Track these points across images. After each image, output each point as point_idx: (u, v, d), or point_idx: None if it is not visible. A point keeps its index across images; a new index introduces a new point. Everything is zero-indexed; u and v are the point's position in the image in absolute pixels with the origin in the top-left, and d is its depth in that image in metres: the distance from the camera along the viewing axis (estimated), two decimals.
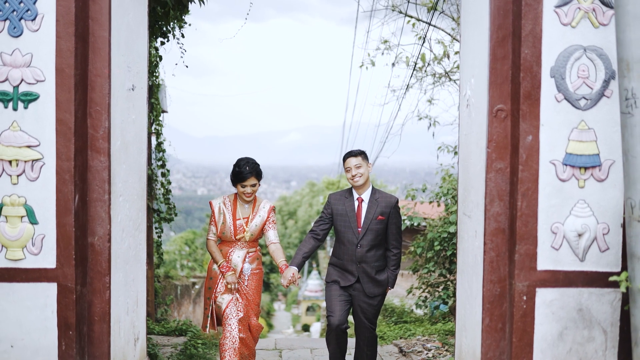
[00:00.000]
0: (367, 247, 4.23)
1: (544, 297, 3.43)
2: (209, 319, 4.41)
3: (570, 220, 3.40)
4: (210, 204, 4.43)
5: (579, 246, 3.41)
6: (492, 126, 3.55)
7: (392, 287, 4.39)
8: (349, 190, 4.40)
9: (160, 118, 7.11)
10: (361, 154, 4.32)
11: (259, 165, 4.34)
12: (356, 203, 4.32)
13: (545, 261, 3.42)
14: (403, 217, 8.40)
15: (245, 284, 4.38)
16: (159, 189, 7.35)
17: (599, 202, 3.40)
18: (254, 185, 4.28)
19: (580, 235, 3.40)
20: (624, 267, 3.29)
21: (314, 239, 4.38)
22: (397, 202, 4.35)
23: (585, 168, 3.39)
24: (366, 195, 4.32)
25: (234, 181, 4.31)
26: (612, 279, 3.03)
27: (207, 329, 4.42)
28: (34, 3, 3.41)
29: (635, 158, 2.81)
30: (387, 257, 4.35)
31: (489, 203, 3.58)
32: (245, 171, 4.22)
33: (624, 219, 3.32)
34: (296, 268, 4.28)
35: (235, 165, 4.31)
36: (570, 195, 3.40)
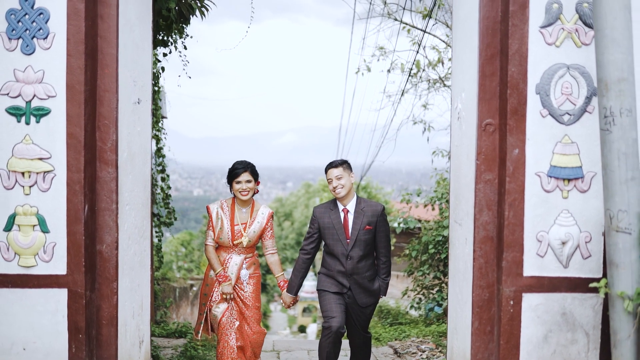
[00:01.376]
0: (357, 258, 4.20)
1: (530, 301, 3.60)
2: (203, 324, 4.47)
3: (554, 229, 3.59)
4: (208, 208, 4.46)
5: (563, 253, 3.59)
6: (481, 139, 3.74)
7: (385, 295, 4.38)
8: (334, 202, 4.34)
9: (160, 124, 7.26)
10: (343, 164, 4.27)
11: (253, 165, 4.43)
12: (342, 214, 4.27)
13: (531, 268, 3.60)
14: (399, 221, 8.57)
15: (244, 290, 4.44)
16: (159, 193, 7.49)
17: (582, 212, 3.58)
18: (249, 182, 4.33)
19: (564, 243, 3.59)
20: (605, 274, 3.48)
21: (306, 259, 4.38)
22: (384, 209, 4.31)
23: (569, 180, 3.58)
24: (351, 206, 4.28)
25: (229, 180, 4.39)
26: (592, 285, 3.22)
27: (200, 335, 4.48)
28: (46, 22, 3.58)
29: (614, 172, 3.00)
30: (377, 266, 4.34)
31: (478, 212, 3.76)
32: (239, 167, 4.33)
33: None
34: (295, 296, 4.45)
35: (230, 168, 4.43)
36: (555, 205, 3.58)
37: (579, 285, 3.58)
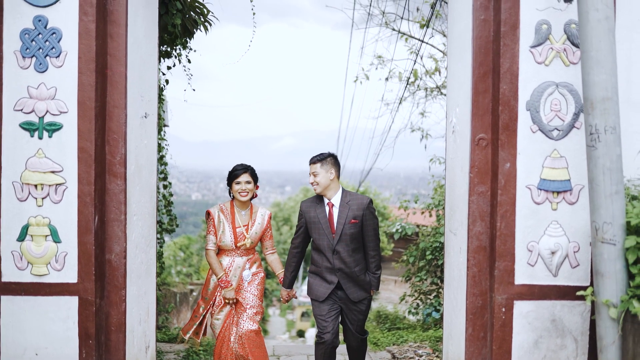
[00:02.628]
0: (344, 252, 4.13)
1: (521, 308, 3.76)
2: (196, 327, 4.52)
3: (544, 240, 3.75)
4: (209, 213, 4.48)
5: (552, 263, 3.76)
6: (474, 153, 3.90)
7: (377, 290, 4.30)
8: (320, 196, 4.28)
9: (162, 132, 7.39)
10: (321, 160, 4.19)
11: (253, 168, 4.54)
12: (327, 208, 4.22)
13: (522, 276, 3.76)
14: (397, 227, 8.70)
15: (247, 287, 4.49)
16: (161, 200, 7.61)
17: (570, 223, 3.74)
18: (248, 183, 4.43)
19: (553, 253, 3.75)
20: (593, 282, 3.64)
21: (296, 253, 4.39)
22: (370, 202, 4.21)
23: (558, 192, 3.74)
24: (336, 200, 4.20)
25: (229, 181, 4.48)
26: (579, 293, 3.38)
27: (187, 335, 4.51)
28: (59, 41, 3.74)
29: (599, 186, 3.16)
30: (366, 260, 4.25)
31: (471, 223, 3.92)
32: (239, 168, 4.45)
33: None
34: (290, 289, 4.49)
35: (230, 170, 4.53)
36: (545, 216, 3.74)
37: (568, 293, 3.74)
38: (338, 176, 4.28)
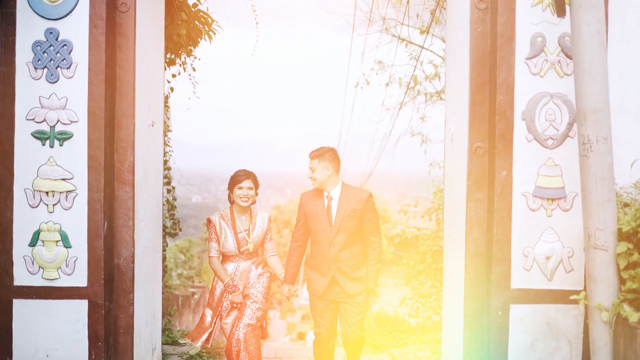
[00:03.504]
0: (341, 245, 4.15)
1: (517, 312, 3.86)
2: (207, 335, 4.55)
3: (539, 245, 3.86)
4: (210, 220, 4.51)
5: (547, 268, 3.87)
6: (471, 161, 4.01)
7: (374, 283, 4.30)
8: (320, 189, 4.31)
9: (166, 138, 7.50)
10: (318, 156, 4.21)
11: (255, 175, 4.61)
12: (326, 201, 4.25)
13: (518, 281, 3.87)
14: (397, 229, 8.80)
15: (253, 286, 4.55)
16: (164, 204, 7.71)
17: (565, 229, 3.85)
18: (250, 189, 4.48)
19: (548, 258, 3.86)
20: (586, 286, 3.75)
21: (297, 246, 4.37)
22: (370, 196, 4.22)
23: (553, 199, 3.86)
24: (335, 193, 4.22)
25: (231, 186, 4.54)
26: (572, 297, 3.49)
27: (199, 343, 4.54)
28: (69, 53, 3.87)
29: (591, 194, 3.27)
30: (367, 253, 4.26)
31: (469, 229, 4.03)
32: (242, 174, 4.52)
33: None
34: (291, 285, 4.47)
35: (232, 175, 4.59)
36: (540, 223, 3.86)
37: (563, 297, 3.83)
38: (337, 171, 4.29)
